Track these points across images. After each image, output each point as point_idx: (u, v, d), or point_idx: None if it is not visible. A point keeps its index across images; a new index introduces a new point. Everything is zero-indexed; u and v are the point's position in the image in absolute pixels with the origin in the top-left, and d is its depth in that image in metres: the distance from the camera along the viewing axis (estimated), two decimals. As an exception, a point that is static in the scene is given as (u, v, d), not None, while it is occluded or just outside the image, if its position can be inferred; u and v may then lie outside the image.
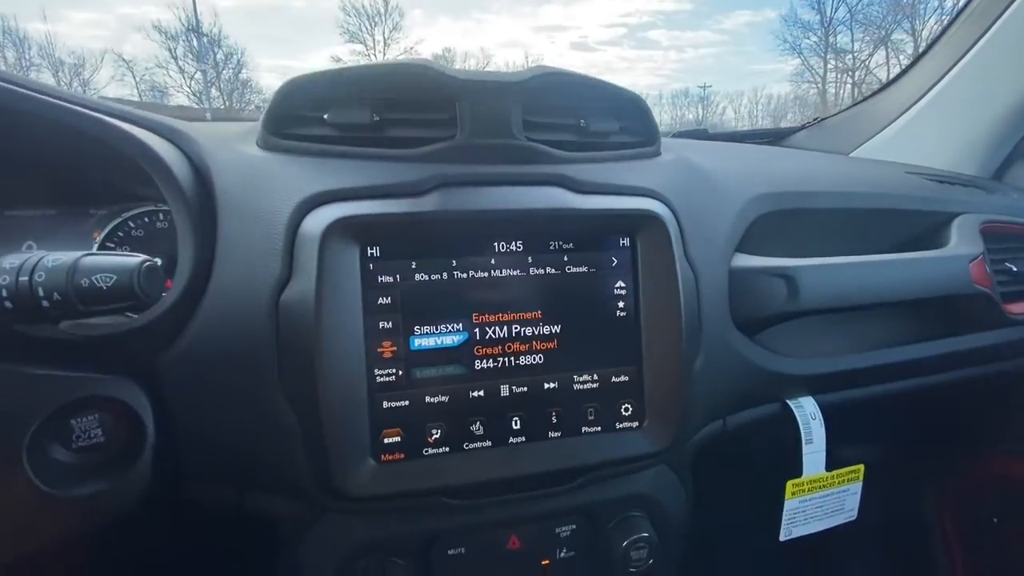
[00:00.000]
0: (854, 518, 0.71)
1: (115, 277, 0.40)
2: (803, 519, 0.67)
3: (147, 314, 0.45)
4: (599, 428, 0.52)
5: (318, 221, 0.46)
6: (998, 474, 0.96)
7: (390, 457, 0.47)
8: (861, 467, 0.69)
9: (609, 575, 0.57)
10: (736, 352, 0.59)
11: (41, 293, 0.38)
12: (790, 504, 0.65)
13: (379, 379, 0.46)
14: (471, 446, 0.49)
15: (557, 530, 0.55)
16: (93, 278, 0.39)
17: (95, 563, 0.54)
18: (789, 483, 0.64)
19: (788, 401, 0.66)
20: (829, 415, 0.66)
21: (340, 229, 0.45)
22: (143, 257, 0.41)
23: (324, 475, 0.45)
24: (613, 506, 0.56)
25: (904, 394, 0.73)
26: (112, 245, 0.57)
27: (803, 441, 0.65)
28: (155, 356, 0.46)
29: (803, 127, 1.13)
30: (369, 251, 0.47)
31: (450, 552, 0.52)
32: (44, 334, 0.43)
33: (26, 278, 0.38)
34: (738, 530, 0.69)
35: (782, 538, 0.66)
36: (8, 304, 0.38)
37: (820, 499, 0.67)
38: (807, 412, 0.66)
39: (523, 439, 0.50)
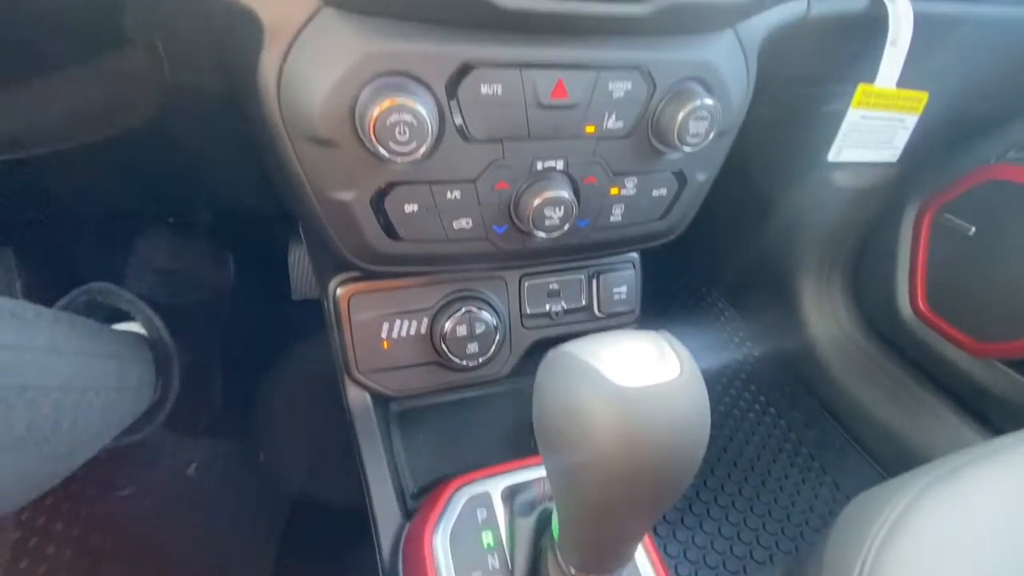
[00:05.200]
0: (894, 160, 0.66)
1: None
2: (855, 142, 0.61)
3: None
4: None
5: None
6: (997, 180, 0.94)
7: None
8: (925, 95, 0.62)
9: (659, 156, 0.50)
10: None
11: None
12: (852, 116, 0.58)
13: None
14: None
15: (610, 87, 0.45)
16: None
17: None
18: (860, 87, 0.56)
19: None
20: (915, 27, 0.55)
21: None
22: None
23: None
24: (673, 68, 0.46)
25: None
26: None
27: (888, 42, 0.55)
28: None
29: None
30: None
31: (483, 90, 0.41)
32: None
33: None
34: (784, 147, 0.62)
35: (831, 158, 0.60)
36: None
37: (878, 121, 0.60)
38: (899, 9, 0.55)
39: None
